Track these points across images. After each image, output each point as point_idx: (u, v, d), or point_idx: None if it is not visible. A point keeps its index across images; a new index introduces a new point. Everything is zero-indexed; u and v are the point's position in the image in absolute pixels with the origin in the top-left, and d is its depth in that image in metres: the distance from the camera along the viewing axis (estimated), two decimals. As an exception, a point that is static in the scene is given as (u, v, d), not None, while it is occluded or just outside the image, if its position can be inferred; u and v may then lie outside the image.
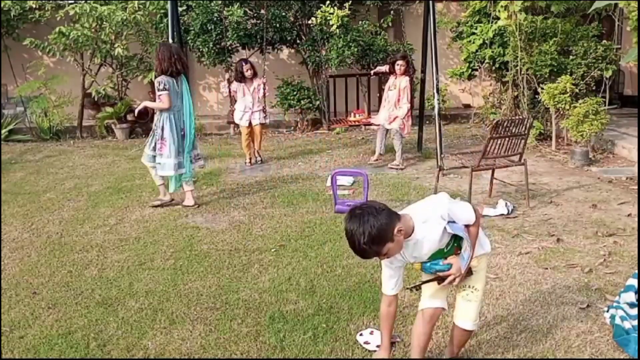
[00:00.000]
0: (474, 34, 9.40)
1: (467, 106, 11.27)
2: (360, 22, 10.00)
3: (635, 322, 3.10)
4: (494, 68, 9.38)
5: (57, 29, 9.22)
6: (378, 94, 10.09)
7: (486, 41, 9.14)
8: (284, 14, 9.80)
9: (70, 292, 3.89)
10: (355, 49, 9.48)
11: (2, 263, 4.41)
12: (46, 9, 9.66)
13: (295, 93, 9.94)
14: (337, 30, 9.40)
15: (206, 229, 5.11)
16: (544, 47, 8.34)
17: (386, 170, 7.15)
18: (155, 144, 5.67)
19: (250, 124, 7.59)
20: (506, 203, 5.49)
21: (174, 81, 5.55)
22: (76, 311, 3.61)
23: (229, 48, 9.70)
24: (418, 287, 2.71)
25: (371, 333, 3.23)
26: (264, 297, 3.75)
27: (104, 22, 9.36)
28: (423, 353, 2.80)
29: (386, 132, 7.48)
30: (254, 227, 5.14)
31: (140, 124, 10.49)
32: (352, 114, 8.83)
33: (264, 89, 7.62)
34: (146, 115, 10.53)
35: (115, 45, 9.54)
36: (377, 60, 9.61)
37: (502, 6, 8.35)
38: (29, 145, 9.50)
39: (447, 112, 10.50)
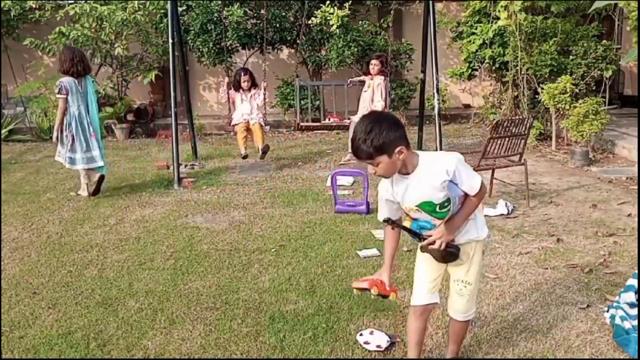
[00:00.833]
0: (474, 34, 9.40)
1: (467, 106, 11.27)
2: (360, 22, 10.01)
3: (635, 322, 3.10)
4: (494, 68, 9.38)
5: (57, 29, 9.23)
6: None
7: (486, 41, 9.14)
8: (284, 14, 9.80)
9: (70, 292, 3.89)
10: (355, 49, 9.48)
11: (2, 263, 4.41)
12: (46, 9, 9.67)
13: (295, 93, 9.92)
14: (337, 30, 9.41)
15: (206, 229, 5.11)
16: (544, 47, 8.34)
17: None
18: (64, 140, 6.08)
19: (247, 122, 7.31)
20: (506, 203, 5.49)
21: (76, 82, 6.00)
22: (76, 311, 3.61)
23: (229, 48, 9.71)
24: (395, 225, 2.60)
25: (371, 333, 3.23)
26: (264, 297, 3.75)
27: (104, 22, 9.37)
28: (419, 347, 2.79)
29: None
30: (254, 227, 5.14)
31: (140, 124, 10.50)
32: (327, 119, 8.74)
33: (264, 95, 7.39)
34: (146, 115, 10.56)
35: (115, 45, 9.55)
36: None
37: (502, 6, 8.35)
38: (29, 145, 9.50)
39: (447, 112, 10.51)
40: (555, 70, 8.27)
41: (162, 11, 9.62)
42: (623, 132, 8.33)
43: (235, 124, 7.45)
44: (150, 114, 10.63)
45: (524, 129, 5.46)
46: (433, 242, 2.50)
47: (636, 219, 5.11)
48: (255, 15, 9.98)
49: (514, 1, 8.18)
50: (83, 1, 9.37)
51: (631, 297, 3.28)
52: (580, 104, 7.39)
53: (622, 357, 3.01)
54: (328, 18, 9.33)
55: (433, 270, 2.72)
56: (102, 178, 6.25)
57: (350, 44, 9.47)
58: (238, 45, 9.95)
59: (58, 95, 6.00)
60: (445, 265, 2.72)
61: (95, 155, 6.17)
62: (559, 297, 3.67)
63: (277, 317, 3.46)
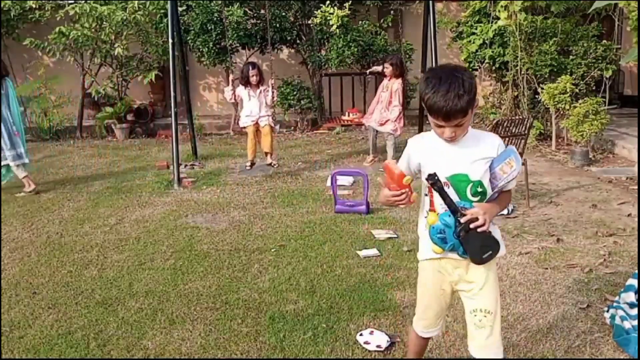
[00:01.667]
0: (474, 34, 9.40)
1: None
2: (360, 22, 10.01)
3: (635, 322, 3.10)
4: (494, 68, 9.38)
5: (57, 29, 9.23)
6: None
7: (486, 41, 9.14)
8: (284, 14, 9.80)
9: (70, 292, 3.89)
10: (355, 49, 9.48)
11: (2, 263, 4.41)
12: (46, 9, 9.67)
13: (295, 93, 9.94)
14: (337, 30, 9.41)
15: (206, 229, 5.11)
16: (544, 47, 8.34)
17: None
18: None
19: (257, 124, 6.95)
20: (506, 203, 5.48)
21: None
22: (76, 311, 3.61)
23: (229, 48, 9.71)
24: (437, 184, 2.12)
25: (371, 333, 3.23)
26: (264, 297, 3.75)
27: (104, 22, 9.37)
28: (419, 357, 2.68)
29: (376, 133, 7.48)
30: (254, 227, 5.14)
31: (140, 124, 10.50)
32: (347, 113, 8.79)
33: (273, 93, 6.97)
34: (146, 115, 10.56)
35: (115, 45, 9.55)
36: (377, 60, 9.62)
37: (502, 6, 8.35)
38: (29, 145, 9.47)
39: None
40: (555, 70, 8.27)
41: (162, 11, 9.62)
42: (623, 132, 8.33)
43: (244, 127, 7.08)
44: (150, 114, 10.63)
45: (524, 129, 5.46)
46: (475, 220, 2.10)
47: (636, 219, 5.10)
48: (255, 15, 9.98)
49: (514, 1, 8.18)
50: (83, 1, 9.37)
51: (631, 297, 3.28)
52: (580, 104, 7.39)
53: (622, 357, 3.01)
54: (328, 18, 9.33)
55: (440, 302, 2.40)
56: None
57: (350, 44, 9.47)
58: (238, 45, 9.95)
59: None
60: (449, 295, 2.37)
61: (21, 153, 6.35)
62: (559, 297, 3.67)
63: (277, 317, 3.46)
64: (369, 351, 3.08)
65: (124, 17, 9.26)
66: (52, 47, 9.54)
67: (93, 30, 9.44)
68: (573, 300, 3.63)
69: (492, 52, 9.08)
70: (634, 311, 3.19)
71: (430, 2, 7.07)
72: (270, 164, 7.15)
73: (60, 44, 9.42)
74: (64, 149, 9.19)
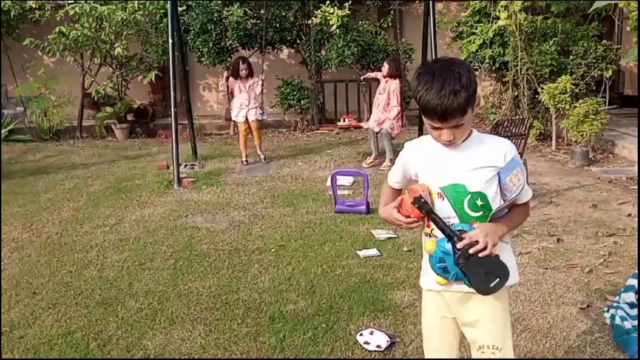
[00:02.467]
0: (474, 34, 9.40)
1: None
2: (360, 22, 10.01)
3: (636, 322, 3.10)
4: (494, 68, 9.38)
5: (57, 29, 9.23)
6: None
7: (486, 41, 9.14)
8: (284, 14, 9.80)
9: (70, 292, 3.89)
10: (355, 49, 9.48)
11: (2, 263, 4.41)
12: (46, 9, 9.67)
13: (295, 93, 9.95)
14: (337, 30, 9.41)
15: (206, 229, 5.10)
16: (544, 47, 8.34)
17: (386, 170, 7.15)
18: None
19: (247, 120, 7.59)
20: (506, 203, 5.47)
21: None
22: (76, 311, 3.61)
23: (229, 48, 9.71)
24: (424, 207, 1.86)
25: (371, 333, 3.23)
26: (264, 297, 3.74)
27: (104, 22, 9.37)
28: None
29: (376, 134, 7.48)
30: (254, 227, 5.14)
31: (140, 124, 10.50)
32: (342, 119, 8.76)
33: (262, 86, 7.59)
34: (146, 115, 10.56)
35: (115, 45, 9.55)
36: (377, 60, 9.62)
37: (502, 6, 8.35)
38: (29, 145, 9.50)
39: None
40: (555, 70, 8.27)
41: (162, 11, 9.62)
42: (623, 132, 8.33)
43: (236, 120, 7.72)
44: (150, 114, 10.63)
45: (524, 129, 5.47)
46: (475, 243, 1.81)
47: (636, 219, 5.10)
48: (255, 15, 9.98)
49: (514, 1, 8.18)
50: (83, 1, 9.37)
51: (631, 297, 3.28)
52: (580, 104, 7.39)
53: (622, 357, 3.01)
54: (328, 18, 9.33)
55: (448, 342, 2.12)
56: None
57: (350, 44, 9.47)
58: (238, 45, 9.95)
59: None
60: (456, 330, 2.09)
61: None
62: (559, 297, 3.67)
63: (277, 317, 3.46)
64: (369, 351, 3.08)
65: (124, 17, 9.26)
66: (52, 47, 9.55)
67: (93, 30, 9.44)
68: (573, 300, 3.63)
69: (492, 52, 9.08)
70: (634, 311, 3.19)
71: (430, 2, 7.06)
72: (263, 159, 7.71)
73: (60, 44, 9.42)
74: (64, 149, 9.19)
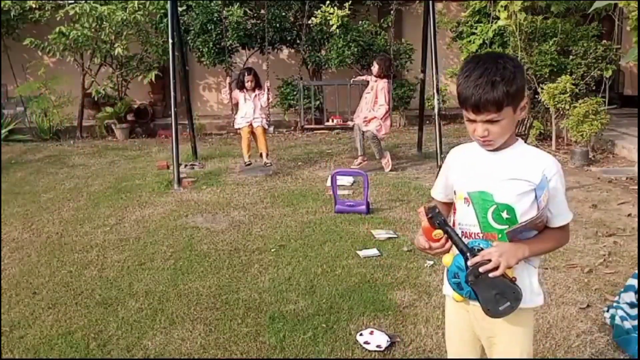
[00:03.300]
0: (474, 34, 9.40)
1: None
2: (360, 22, 10.01)
3: (635, 322, 3.10)
4: (494, 68, 9.37)
5: (57, 29, 9.23)
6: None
7: (486, 41, 9.14)
8: (284, 14, 9.81)
9: (70, 292, 3.89)
10: (355, 49, 9.48)
11: (2, 263, 4.41)
12: (46, 9, 9.66)
13: (295, 93, 9.95)
14: (337, 30, 9.41)
15: (206, 229, 5.10)
16: (544, 47, 8.34)
17: (386, 170, 7.15)
18: None
19: (251, 125, 7.28)
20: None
21: None
22: (76, 311, 3.61)
23: (229, 48, 9.71)
24: (438, 221, 1.79)
25: (371, 333, 3.23)
26: (264, 297, 3.75)
27: (104, 22, 9.37)
28: None
29: (362, 133, 7.35)
30: (254, 227, 5.14)
31: (140, 124, 10.50)
32: (331, 120, 8.73)
33: (267, 95, 7.34)
34: (146, 115, 10.56)
35: (115, 45, 9.55)
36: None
37: (502, 6, 8.35)
38: (29, 145, 9.50)
39: (447, 112, 10.49)
40: (555, 70, 8.27)
41: (162, 11, 9.62)
42: (623, 132, 8.33)
43: (239, 128, 7.37)
44: (150, 114, 10.63)
45: (523, 129, 5.46)
46: (487, 262, 1.72)
47: (636, 219, 5.10)
48: (255, 15, 9.98)
49: (514, 1, 8.18)
50: (83, 1, 9.36)
51: (631, 297, 3.28)
52: (580, 104, 7.39)
53: (622, 357, 3.01)
54: (328, 18, 9.33)
55: (468, 352, 2.04)
56: None
57: (350, 44, 9.47)
58: (238, 45, 9.95)
59: None
60: (476, 341, 2.00)
61: None
62: (559, 297, 3.67)
63: (277, 317, 3.46)
64: (369, 351, 3.08)
65: (124, 17, 9.26)
66: (52, 47, 9.54)
67: (93, 30, 9.43)
68: (573, 300, 3.63)
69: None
70: (634, 311, 3.19)
71: (430, 2, 7.06)
72: (265, 164, 7.26)
73: (60, 44, 9.41)
74: (64, 149, 9.19)
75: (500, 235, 1.80)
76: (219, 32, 9.49)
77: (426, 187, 6.30)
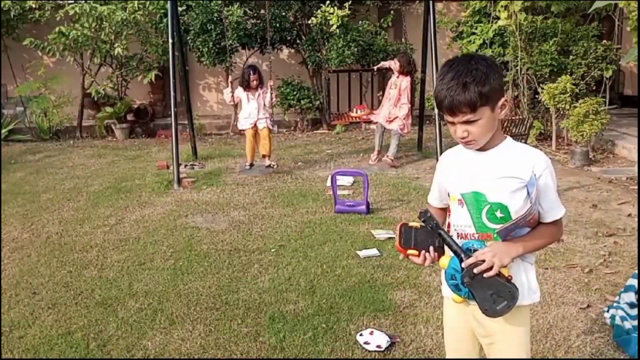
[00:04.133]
0: (474, 34, 9.40)
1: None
2: (360, 22, 10.01)
3: (636, 322, 3.10)
4: (494, 68, 9.37)
5: (57, 29, 9.23)
6: (380, 93, 10.11)
7: (486, 41, 9.14)
8: (284, 14, 9.80)
9: (70, 292, 3.89)
10: (355, 49, 9.48)
11: (2, 263, 4.41)
12: (46, 9, 9.66)
13: (295, 93, 9.95)
14: (337, 30, 9.41)
15: (206, 229, 5.10)
16: (544, 47, 8.34)
17: (386, 170, 7.15)
18: None
19: (255, 126, 7.19)
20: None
21: None
22: (76, 311, 3.61)
23: (229, 48, 9.70)
24: (430, 223, 1.84)
25: (371, 333, 3.23)
26: (264, 297, 3.74)
27: (104, 22, 9.37)
28: None
29: (384, 130, 7.48)
30: (254, 227, 5.14)
31: (140, 124, 10.50)
32: (354, 110, 8.79)
33: (271, 94, 7.19)
34: (146, 115, 10.56)
35: (115, 45, 9.55)
36: (377, 60, 9.62)
37: (502, 6, 8.35)
38: (29, 145, 9.50)
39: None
40: (555, 70, 8.27)
41: (162, 11, 9.61)
42: (623, 132, 8.33)
43: (243, 129, 7.29)
44: (150, 114, 10.62)
45: (524, 129, 5.47)
46: (481, 263, 1.74)
47: (636, 219, 5.10)
48: (255, 15, 9.98)
49: (514, 1, 8.18)
50: (83, 1, 9.36)
51: (631, 297, 3.28)
52: (580, 104, 7.38)
53: (622, 357, 3.01)
54: (328, 18, 9.33)
55: (467, 353, 2.05)
56: None
57: (350, 44, 9.46)
58: (238, 45, 9.95)
59: None
60: (475, 341, 2.01)
61: None
62: (559, 297, 3.67)
63: (277, 317, 3.46)
64: (369, 351, 3.08)
65: (124, 17, 9.26)
66: (52, 47, 9.54)
67: (93, 30, 9.43)
68: (573, 300, 3.63)
69: (492, 52, 9.07)
70: (634, 311, 3.19)
71: (430, 2, 7.06)
72: (269, 166, 7.27)
73: (60, 44, 9.41)
74: (64, 149, 9.19)
75: (495, 235, 1.82)
76: (219, 32, 9.48)
77: (426, 187, 6.29)
